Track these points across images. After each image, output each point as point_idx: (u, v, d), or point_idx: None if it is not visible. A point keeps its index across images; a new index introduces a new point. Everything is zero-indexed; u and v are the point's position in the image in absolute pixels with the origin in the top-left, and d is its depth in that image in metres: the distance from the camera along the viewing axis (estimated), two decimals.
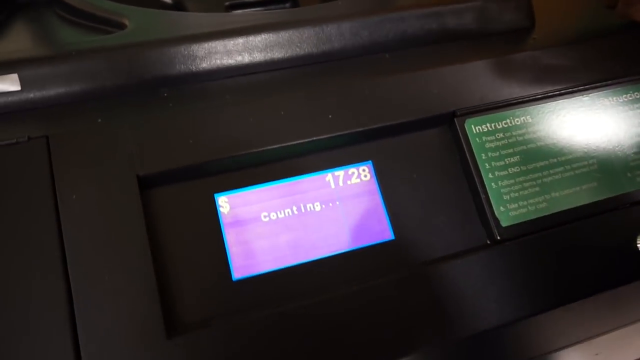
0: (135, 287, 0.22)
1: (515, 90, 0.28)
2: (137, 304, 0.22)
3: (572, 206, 0.27)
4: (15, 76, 0.25)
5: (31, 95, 0.26)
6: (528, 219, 0.27)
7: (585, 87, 0.29)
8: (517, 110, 0.28)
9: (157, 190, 0.24)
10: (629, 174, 0.28)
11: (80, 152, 0.23)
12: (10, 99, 0.26)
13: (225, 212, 0.25)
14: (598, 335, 0.29)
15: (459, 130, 0.27)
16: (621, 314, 0.30)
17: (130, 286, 0.22)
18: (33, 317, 0.21)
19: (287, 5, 0.41)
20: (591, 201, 0.27)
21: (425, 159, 0.27)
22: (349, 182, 0.27)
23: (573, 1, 0.36)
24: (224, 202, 0.25)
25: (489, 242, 0.27)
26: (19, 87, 0.25)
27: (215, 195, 0.25)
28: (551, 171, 0.28)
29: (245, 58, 0.28)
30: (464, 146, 0.27)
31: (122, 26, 0.30)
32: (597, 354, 0.31)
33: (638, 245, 0.27)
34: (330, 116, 0.26)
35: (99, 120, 0.24)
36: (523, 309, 0.25)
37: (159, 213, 0.24)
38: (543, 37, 0.32)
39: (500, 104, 0.28)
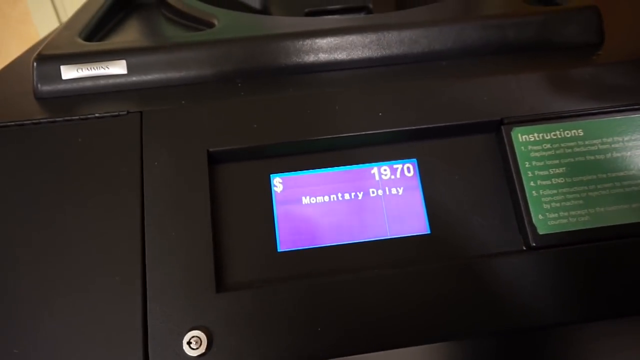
0: (195, 245, 0.26)
1: (569, 103, 0.29)
2: (195, 260, 0.26)
3: (618, 223, 0.27)
4: (123, 62, 0.31)
5: (134, 78, 0.31)
6: (567, 229, 0.27)
7: None
8: (569, 123, 0.28)
9: (222, 166, 0.28)
10: None
11: (165, 127, 0.28)
12: (118, 80, 0.31)
13: (278, 191, 0.28)
14: None
15: (504, 138, 0.28)
16: None
17: (191, 244, 0.26)
18: (111, 259, 0.25)
19: (363, 13, 0.44)
20: None
21: (469, 163, 0.29)
22: (392, 177, 0.29)
23: None
24: (278, 182, 0.28)
25: (524, 248, 0.27)
26: (125, 71, 0.31)
27: (271, 176, 0.28)
28: (598, 186, 0.27)
29: (310, 58, 0.31)
30: (508, 153, 0.28)
31: (211, 25, 0.34)
32: None
33: None
34: (380, 114, 0.28)
35: (183, 102, 0.29)
36: (550, 317, 0.26)
37: (222, 185, 0.28)
38: (609, 53, 0.32)
39: (551, 116, 0.28)
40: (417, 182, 0.29)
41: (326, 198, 0.28)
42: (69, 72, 0.30)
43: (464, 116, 0.28)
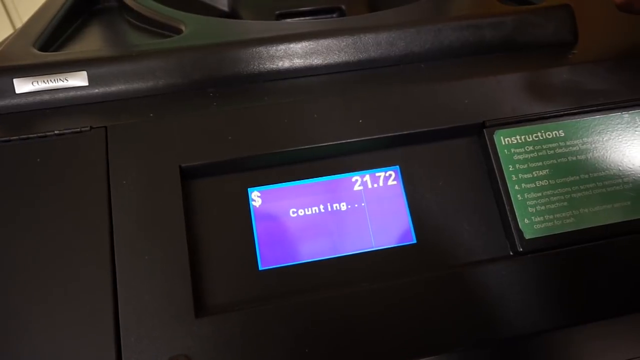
0: (171, 268, 0.24)
1: (549, 104, 0.28)
2: (172, 283, 0.24)
3: (602, 223, 0.27)
4: (84, 73, 0.29)
5: (96, 90, 0.29)
6: (553, 232, 0.26)
7: (625, 104, 0.29)
8: (550, 124, 0.28)
9: (196, 181, 0.26)
10: None
11: (133, 143, 0.26)
12: (79, 93, 0.29)
13: (257, 206, 0.27)
14: None
15: (487, 141, 0.27)
16: None
17: (167, 267, 0.24)
18: (79, 287, 0.23)
19: (335, 15, 0.43)
20: (623, 220, 0.27)
21: (452, 168, 0.28)
22: (375, 185, 0.28)
23: (619, 18, 0.35)
24: (256, 197, 0.27)
25: (511, 253, 0.27)
26: (86, 83, 0.29)
27: (249, 190, 0.27)
28: (581, 187, 0.27)
29: (285, 63, 0.30)
30: (492, 157, 0.27)
31: (178, 31, 0.33)
32: None
33: None
34: (360, 121, 0.27)
35: (151, 114, 0.27)
36: (541, 323, 0.25)
37: (197, 202, 0.26)
38: (584, 52, 0.31)
39: (532, 117, 0.28)
40: (400, 190, 0.28)
41: (307, 211, 0.27)
42: (23, 86, 0.28)
43: (446, 120, 0.28)
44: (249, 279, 0.26)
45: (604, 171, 0.28)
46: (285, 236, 0.27)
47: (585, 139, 0.28)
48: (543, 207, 0.27)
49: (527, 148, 0.28)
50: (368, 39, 0.31)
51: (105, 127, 0.26)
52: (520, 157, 0.28)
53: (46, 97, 0.28)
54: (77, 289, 0.23)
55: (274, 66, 0.30)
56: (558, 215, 0.27)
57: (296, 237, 0.27)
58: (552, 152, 0.28)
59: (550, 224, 0.27)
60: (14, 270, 0.23)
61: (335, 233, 0.27)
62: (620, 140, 0.28)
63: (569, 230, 0.27)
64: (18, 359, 0.22)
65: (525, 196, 0.27)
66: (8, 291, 0.23)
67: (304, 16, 0.43)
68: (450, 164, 0.28)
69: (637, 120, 0.29)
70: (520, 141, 0.28)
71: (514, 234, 0.26)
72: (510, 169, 0.27)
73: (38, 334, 0.23)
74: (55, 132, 0.26)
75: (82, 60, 0.29)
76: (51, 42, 0.33)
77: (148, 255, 0.24)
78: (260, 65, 0.30)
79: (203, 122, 0.27)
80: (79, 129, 0.26)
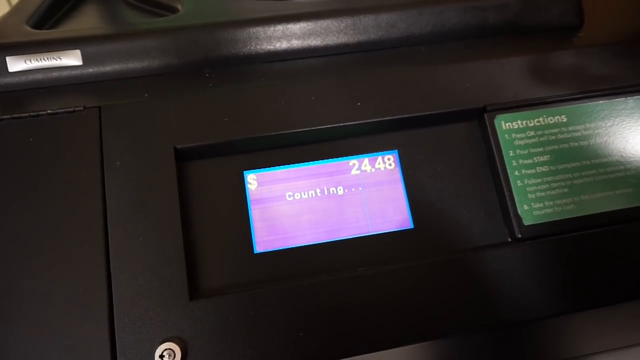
0: (165, 250, 0.24)
1: (552, 89, 0.28)
2: (166, 266, 0.24)
3: (603, 210, 0.26)
4: (77, 52, 0.28)
5: (90, 69, 0.28)
6: (553, 219, 0.26)
7: (631, 89, 0.28)
8: (552, 109, 0.28)
9: (191, 163, 0.26)
10: None
11: (127, 123, 0.25)
12: (72, 72, 0.29)
13: (253, 189, 0.27)
14: (623, 348, 0.28)
15: (487, 126, 0.27)
16: None
17: (161, 249, 0.24)
18: (73, 269, 0.23)
19: None
20: (625, 207, 0.27)
21: (452, 152, 0.28)
22: (373, 170, 0.27)
23: (627, 2, 0.34)
24: (252, 180, 0.27)
25: (510, 239, 0.26)
26: (80, 62, 0.28)
27: (245, 173, 0.27)
28: (583, 173, 0.27)
29: (283, 45, 0.29)
30: (492, 142, 0.27)
31: (174, 10, 0.32)
32: None
33: None
34: (359, 103, 0.27)
35: (146, 95, 0.27)
36: (539, 310, 0.25)
37: (192, 185, 0.26)
38: (590, 36, 0.31)
39: (534, 102, 0.27)
40: (398, 175, 0.27)
41: (304, 194, 0.27)
42: (16, 64, 0.28)
43: (446, 104, 0.27)
44: (244, 262, 0.25)
45: (606, 157, 0.27)
46: (281, 220, 0.26)
47: (588, 125, 0.28)
48: (543, 194, 0.26)
49: (529, 133, 0.27)
50: (368, 20, 0.30)
51: (99, 107, 0.26)
52: (521, 142, 0.27)
53: (39, 76, 0.28)
54: (70, 270, 0.23)
55: (272, 47, 0.29)
56: (558, 202, 0.26)
57: (292, 221, 0.26)
58: (553, 137, 0.27)
59: (550, 210, 0.26)
60: (7, 251, 0.23)
61: (332, 217, 0.27)
62: (624, 126, 0.28)
63: (569, 217, 0.26)
64: (12, 338, 0.22)
65: (525, 182, 0.26)
66: (1, 271, 0.23)
67: None
68: (449, 149, 0.28)
69: None
70: (521, 126, 0.27)
71: (513, 220, 0.26)
72: (511, 155, 0.27)
73: (32, 314, 0.23)
74: (49, 111, 0.25)
75: (76, 39, 0.28)
76: (45, 19, 0.33)
77: (142, 237, 0.24)
78: (258, 46, 0.29)
79: (199, 103, 0.26)
80: (72, 109, 0.25)
